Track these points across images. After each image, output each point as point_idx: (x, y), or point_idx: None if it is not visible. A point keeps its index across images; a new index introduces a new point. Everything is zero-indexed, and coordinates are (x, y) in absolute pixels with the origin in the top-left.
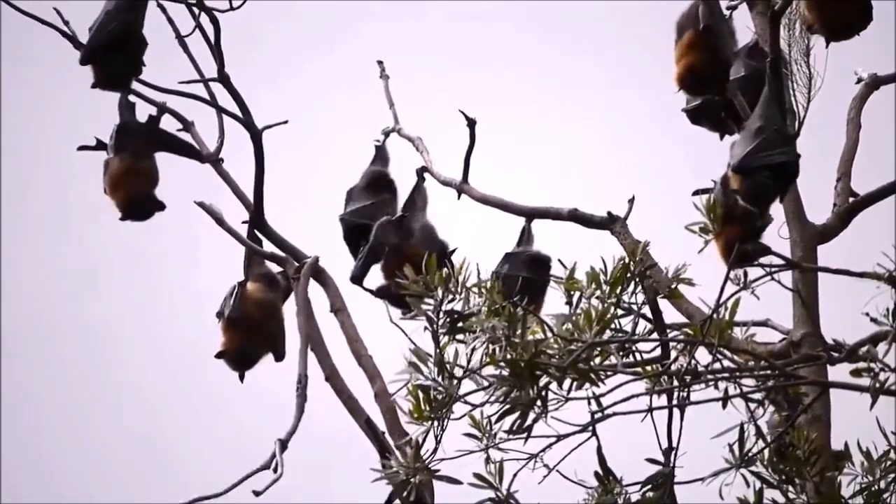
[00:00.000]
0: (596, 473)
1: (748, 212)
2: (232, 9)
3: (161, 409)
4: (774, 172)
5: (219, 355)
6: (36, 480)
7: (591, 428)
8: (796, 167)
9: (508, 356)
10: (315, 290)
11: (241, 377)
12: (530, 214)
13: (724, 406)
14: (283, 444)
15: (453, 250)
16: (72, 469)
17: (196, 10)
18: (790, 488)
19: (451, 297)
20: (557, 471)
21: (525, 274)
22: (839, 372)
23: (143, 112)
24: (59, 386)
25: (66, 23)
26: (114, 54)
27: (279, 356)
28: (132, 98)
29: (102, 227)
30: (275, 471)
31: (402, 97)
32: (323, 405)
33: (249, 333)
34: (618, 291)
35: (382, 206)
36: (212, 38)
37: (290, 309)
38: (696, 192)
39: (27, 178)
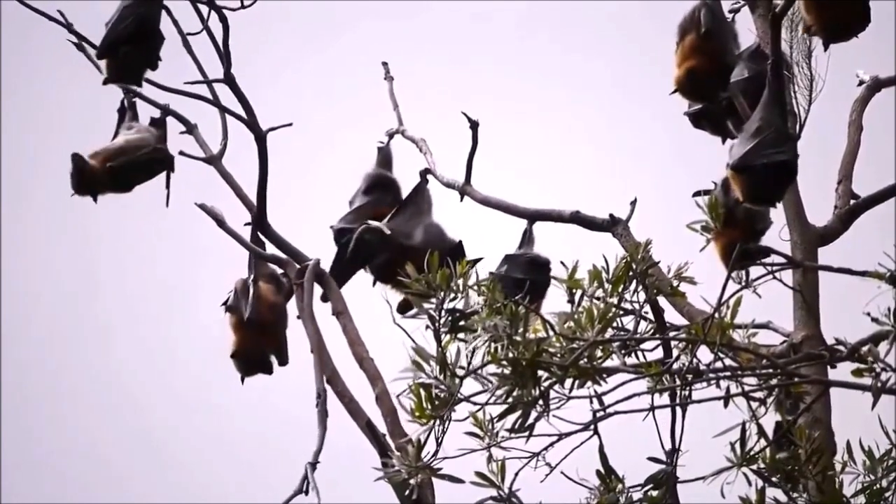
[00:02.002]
0: (598, 472)
1: (749, 213)
2: (243, 7)
3: (160, 410)
4: (774, 171)
5: (234, 355)
6: (36, 481)
7: (592, 427)
8: (795, 166)
9: (510, 355)
10: (315, 293)
11: (243, 379)
12: (532, 217)
13: (726, 405)
14: (314, 466)
15: (459, 243)
16: (72, 471)
17: (205, 10)
18: (792, 487)
19: (452, 295)
20: (560, 470)
21: (524, 276)
22: (840, 372)
23: (144, 112)
24: (60, 387)
25: (70, 24)
26: (130, 48)
27: (283, 361)
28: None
29: (103, 228)
30: (306, 494)
31: (406, 99)
32: None
33: (261, 336)
34: (620, 290)
35: (378, 205)
36: (219, 39)
37: (289, 311)
38: (696, 194)
39: (27, 179)
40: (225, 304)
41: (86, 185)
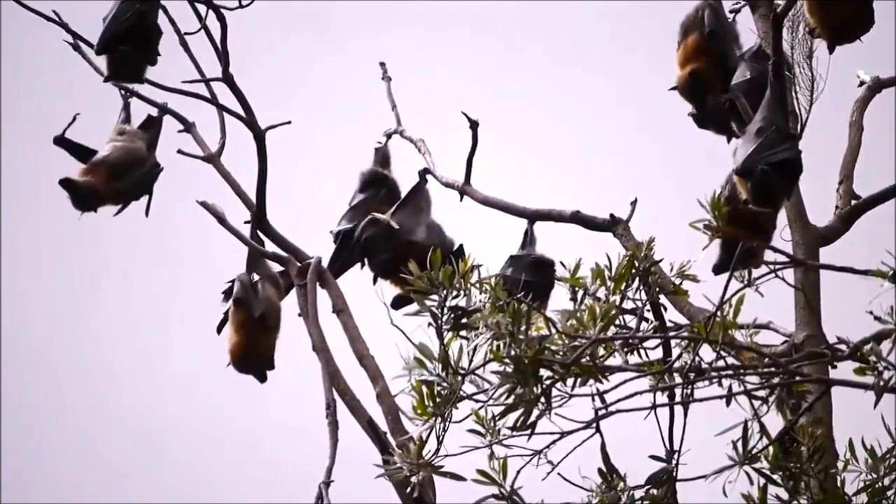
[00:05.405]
0: (599, 470)
1: (756, 212)
2: (241, 6)
3: (159, 410)
4: (778, 170)
5: (236, 354)
6: (36, 481)
7: (594, 425)
8: (799, 164)
9: (512, 352)
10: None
11: (264, 377)
12: (533, 216)
13: (728, 403)
14: (327, 485)
15: (460, 246)
16: (72, 471)
17: (203, 9)
18: (794, 486)
19: (455, 293)
20: (561, 470)
21: (529, 278)
22: (843, 371)
23: (142, 111)
24: (60, 387)
25: (66, 24)
26: (128, 44)
27: (270, 366)
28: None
29: (102, 226)
30: None
31: (405, 99)
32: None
33: (262, 336)
34: (622, 288)
35: (373, 200)
36: (217, 38)
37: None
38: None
39: (27, 179)
40: (227, 294)
41: (84, 202)
